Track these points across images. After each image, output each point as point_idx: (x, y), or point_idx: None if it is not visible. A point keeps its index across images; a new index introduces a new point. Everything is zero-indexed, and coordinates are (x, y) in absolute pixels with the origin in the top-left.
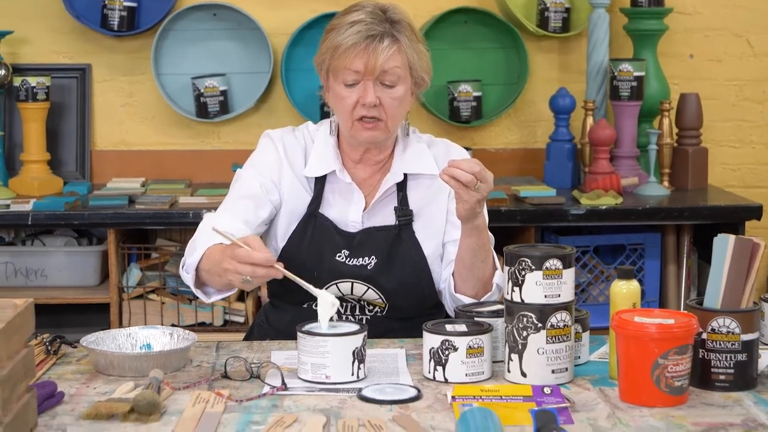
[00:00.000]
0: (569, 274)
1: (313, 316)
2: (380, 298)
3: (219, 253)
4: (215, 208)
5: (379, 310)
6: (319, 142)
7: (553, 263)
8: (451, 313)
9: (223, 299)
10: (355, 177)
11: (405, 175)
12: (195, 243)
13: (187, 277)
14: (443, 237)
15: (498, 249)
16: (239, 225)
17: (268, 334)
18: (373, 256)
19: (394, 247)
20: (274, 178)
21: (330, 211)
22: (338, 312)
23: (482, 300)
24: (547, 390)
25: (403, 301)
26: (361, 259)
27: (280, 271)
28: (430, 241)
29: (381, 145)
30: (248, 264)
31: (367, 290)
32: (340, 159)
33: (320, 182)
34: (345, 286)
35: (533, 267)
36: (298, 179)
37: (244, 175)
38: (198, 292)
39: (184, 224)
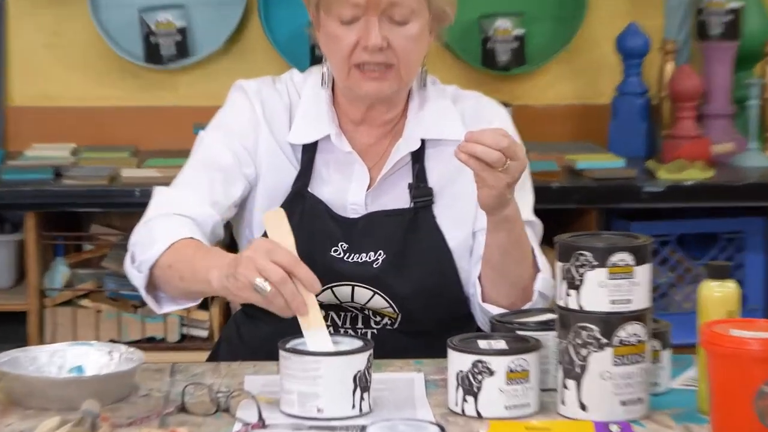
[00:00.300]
0: (643, 273)
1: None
2: (390, 306)
3: (196, 249)
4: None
5: (389, 321)
6: (307, 97)
7: (622, 258)
8: (485, 326)
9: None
10: (356, 144)
11: (422, 141)
12: (152, 231)
13: (138, 278)
14: (473, 224)
15: (547, 240)
16: (204, 206)
17: (240, 353)
18: (380, 251)
19: (409, 238)
20: (248, 145)
21: (323, 190)
22: (332, 324)
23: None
24: (614, 429)
25: (421, 311)
26: (364, 254)
27: (311, 306)
28: (457, 230)
29: (390, 101)
30: (282, 270)
31: (372, 296)
32: (337, 120)
33: (309, 151)
34: (343, 291)
35: (595, 263)
36: (280, 147)
37: (209, 139)
38: (148, 299)
39: (128, 206)
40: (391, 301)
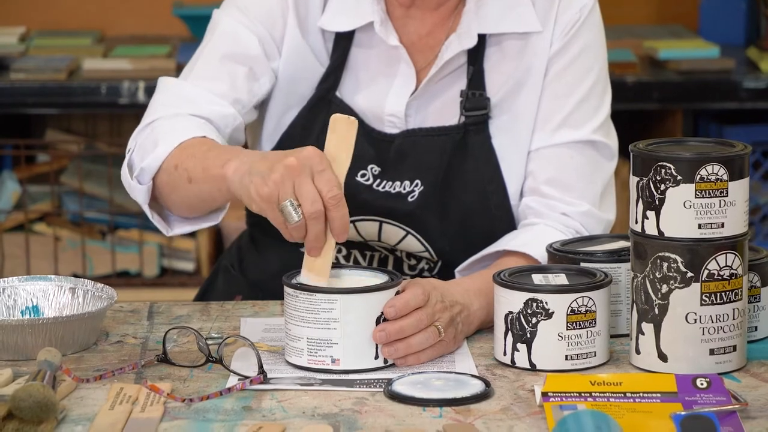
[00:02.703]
0: (740, 190)
1: None
2: (427, 250)
3: (212, 146)
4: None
5: (426, 267)
6: None
7: (714, 171)
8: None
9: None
10: (405, 36)
11: (482, 37)
12: (156, 133)
13: (139, 191)
14: (530, 144)
15: (621, 148)
16: (223, 105)
17: (237, 288)
18: (417, 180)
19: (456, 165)
20: (275, 32)
21: (356, 96)
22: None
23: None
24: (701, 383)
25: (467, 257)
26: (398, 183)
27: (325, 252)
28: (515, 154)
29: None
30: (321, 201)
31: (405, 236)
32: (383, 3)
33: (343, 44)
34: (368, 227)
35: (679, 177)
36: (308, 34)
37: (228, 22)
38: (154, 218)
39: (92, 106)
40: (426, 244)
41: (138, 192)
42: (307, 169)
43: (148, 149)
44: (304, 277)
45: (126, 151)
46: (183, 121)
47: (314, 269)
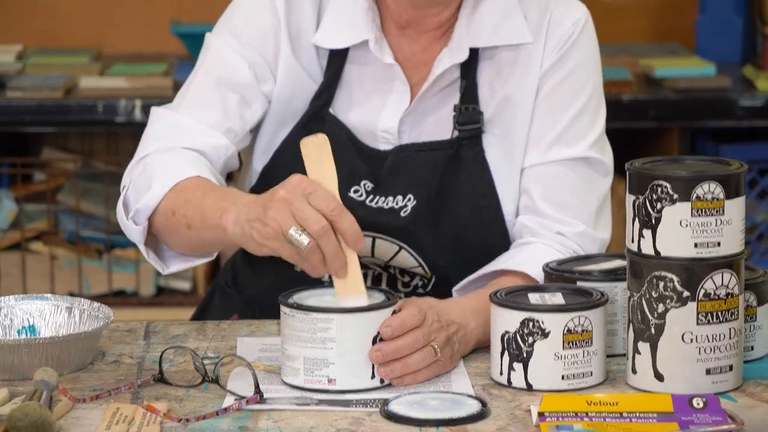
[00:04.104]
0: (736, 209)
1: (311, 281)
2: (421, 265)
3: (207, 189)
4: (158, 102)
5: (419, 283)
6: None
7: (710, 190)
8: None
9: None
10: (399, 53)
11: (475, 51)
12: (149, 171)
13: (134, 231)
14: (523, 159)
15: (617, 167)
16: (216, 135)
17: (233, 307)
18: (410, 195)
19: (449, 179)
20: (267, 54)
21: (349, 113)
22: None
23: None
24: (698, 403)
25: (457, 271)
26: (391, 198)
27: (351, 266)
28: (508, 167)
29: (442, 0)
30: (324, 217)
31: (399, 251)
32: (378, 21)
33: (337, 61)
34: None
35: (676, 196)
36: (301, 51)
37: (219, 46)
38: (150, 257)
39: (89, 124)
40: (420, 259)
41: (133, 232)
42: (299, 195)
43: (143, 189)
44: (341, 299)
45: (121, 188)
46: (176, 157)
47: (348, 290)
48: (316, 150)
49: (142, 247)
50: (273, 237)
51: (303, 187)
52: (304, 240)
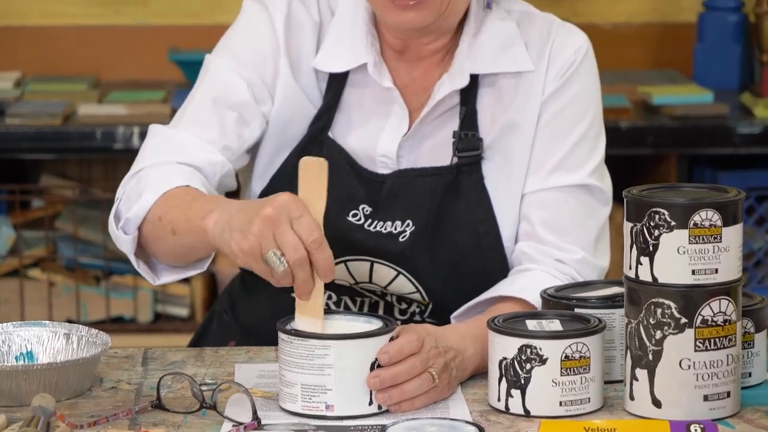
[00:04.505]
0: (734, 236)
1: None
2: (418, 291)
3: (195, 196)
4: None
5: (416, 309)
6: (342, 15)
7: (708, 217)
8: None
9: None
10: (399, 78)
11: (475, 77)
12: (142, 183)
13: (125, 241)
14: (523, 186)
15: (615, 193)
16: (213, 152)
17: (231, 333)
18: (409, 221)
19: (448, 205)
20: (266, 76)
21: (348, 136)
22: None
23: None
24: (696, 429)
25: (454, 297)
26: (389, 223)
27: (315, 293)
28: (507, 195)
29: (436, 30)
30: (303, 247)
31: (396, 277)
32: (378, 46)
33: (337, 85)
34: (360, 267)
35: (673, 223)
36: (301, 75)
37: (218, 66)
38: (141, 267)
39: (87, 151)
40: (418, 285)
41: (123, 242)
42: (285, 217)
43: (134, 199)
44: (298, 321)
45: (114, 200)
46: (170, 169)
47: (306, 312)
48: (314, 172)
49: (132, 257)
50: (250, 253)
51: (290, 209)
52: (280, 266)
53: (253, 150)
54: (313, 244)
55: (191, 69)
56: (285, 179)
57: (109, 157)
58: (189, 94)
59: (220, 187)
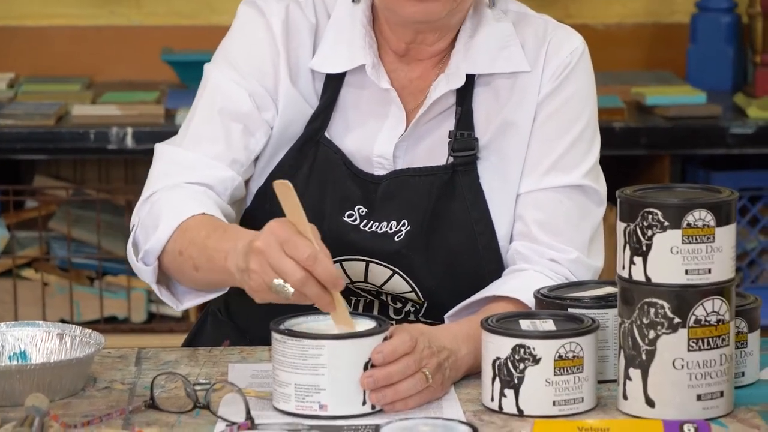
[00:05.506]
0: (727, 236)
1: (302, 308)
2: (413, 290)
3: (210, 229)
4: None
5: (411, 309)
6: (339, 17)
7: (701, 217)
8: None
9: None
10: (396, 79)
11: (471, 77)
12: (155, 211)
13: (146, 272)
14: (519, 186)
15: (610, 193)
16: (221, 168)
17: (225, 333)
18: (404, 221)
19: (443, 205)
20: (267, 83)
21: (345, 137)
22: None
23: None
24: (689, 429)
25: (449, 297)
26: (384, 223)
27: (337, 303)
28: (505, 195)
29: (443, 26)
30: (301, 267)
31: (391, 276)
32: (375, 47)
33: (333, 86)
34: (356, 267)
35: (666, 223)
36: (298, 76)
37: (219, 78)
38: (165, 295)
39: (81, 152)
40: (413, 284)
41: (145, 273)
42: (275, 246)
43: (150, 230)
44: (338, 329)
45: (130, 227)
46: (182, 194)
47: (339, 321)
48: (285, 193)
49: (155, 287)
50: (259, 289)
51: (277, 234)
52: (289, 290)
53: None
54: (308, 261)
55: (184, 70)
56: (280, 179)
57: (102, 158)
58: (191, 107)
59: (231, 200)
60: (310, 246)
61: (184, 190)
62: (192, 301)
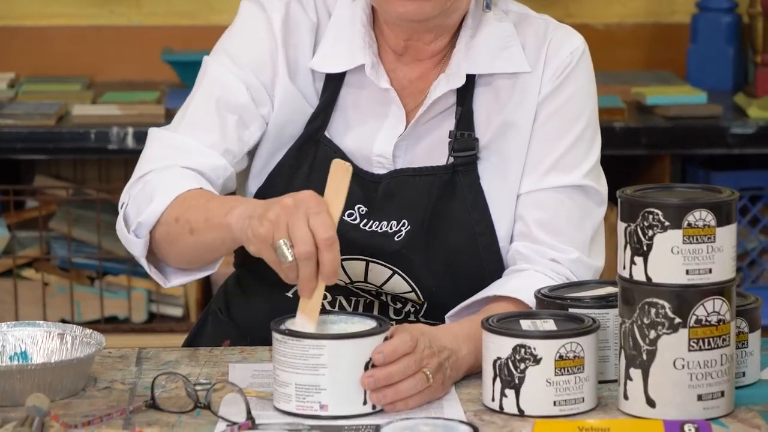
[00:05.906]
0: (727, 236)
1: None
2: (414, 290)
3: (210, 197)
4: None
5: (411, 309)
6: (340, 17)
7: (701, 217)
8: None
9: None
10: (396, 79)
11: (471, 77)
12: (150, 187)
13: (137, 244)
14: (519, 186)
15: (610, 193)
16: (215, 156)
17: (226, 333)
18: (404, 220)
19: (443, 205)
20: (265, 78)
21: (344, 136)
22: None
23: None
24: (689, 429)
25: (449, 297)
26: (384, 222)
27: (317, 293)
28: (505, 195)
29: (438, 26)
30: (314, 242)
31: (391, 276)
32: (375, 47)
33: (333, 85)
34: (356, 267)
35: (667, 223)
36: (298, 75)
37: (217, 69)
38: (151, 270)
39: (81, 152)
40: (413, 284)
41: (135, 245)
42: (303, 210)
43: (144, 203)
44: (298, 317)
45: (119, 206)
46: (175, 173)
47: (305, 311)
48: (341, 175)
49: (143, 261)
50: (263, 238)
51: (310, 204)
52: (288, 256)
53: (252, 151)
54: (326, 242)
55: (184, 70)
56: (280, 179)
57: (103, 158)
58: (188, 96)
59: (222, 190)
60: (334, 229)
61: (178, 171)
62: (179, 279)
